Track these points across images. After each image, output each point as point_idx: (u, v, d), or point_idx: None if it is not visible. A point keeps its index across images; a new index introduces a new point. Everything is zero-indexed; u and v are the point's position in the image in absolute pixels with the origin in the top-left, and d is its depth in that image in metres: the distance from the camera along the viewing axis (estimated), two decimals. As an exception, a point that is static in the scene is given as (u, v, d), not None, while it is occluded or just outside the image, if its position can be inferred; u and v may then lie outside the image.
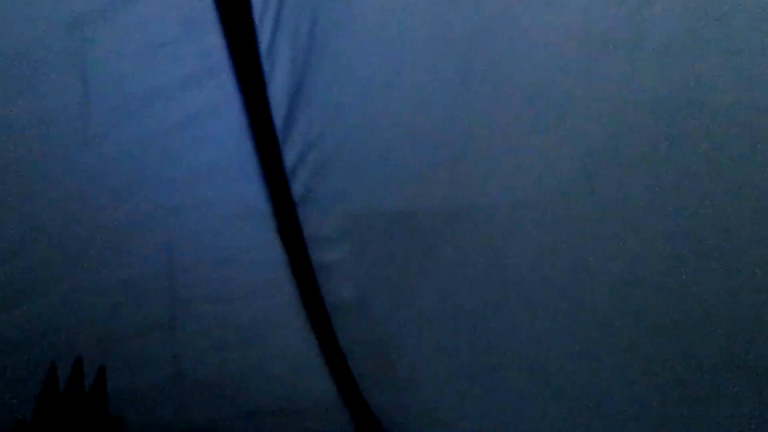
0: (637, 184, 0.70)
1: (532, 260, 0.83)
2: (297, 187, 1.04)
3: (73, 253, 1.10)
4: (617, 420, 0.82)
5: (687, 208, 0.66)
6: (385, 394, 1.15)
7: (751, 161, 0.61)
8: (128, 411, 1.15)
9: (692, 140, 0.64)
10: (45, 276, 1.09)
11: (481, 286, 0.90)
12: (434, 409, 1.08)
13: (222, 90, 0.99)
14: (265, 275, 1.11)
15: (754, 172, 0.61)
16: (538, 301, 0.85)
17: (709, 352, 0.70)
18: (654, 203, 0.69)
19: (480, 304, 0.93)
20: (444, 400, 1.05)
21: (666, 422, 0.76)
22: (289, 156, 1.02)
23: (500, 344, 0.94)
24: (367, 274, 1.02)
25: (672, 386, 0.74)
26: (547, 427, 0.92)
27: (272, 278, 1.11)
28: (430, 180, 0.89)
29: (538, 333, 0.89)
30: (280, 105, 0.98)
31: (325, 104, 0.94)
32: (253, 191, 1.05)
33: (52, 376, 1.08)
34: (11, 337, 1.08)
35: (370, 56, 0.88)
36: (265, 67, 0.96)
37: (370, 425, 1.24)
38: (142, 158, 1.04)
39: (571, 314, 0.83)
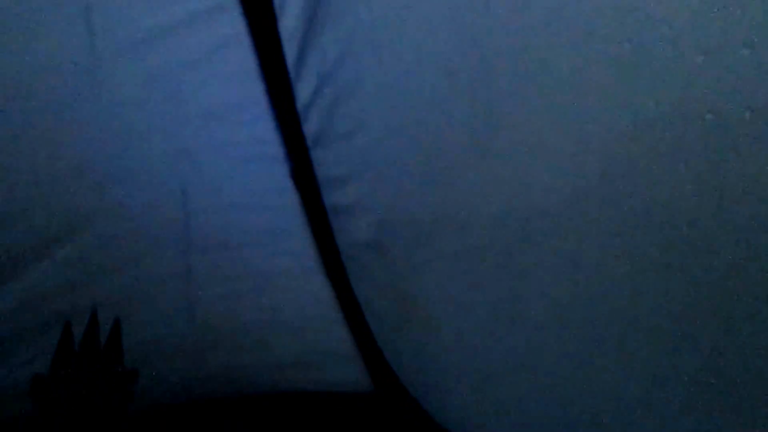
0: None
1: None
2: (310, 128, 1.01)
3: (86, 204, 1.09)
4: (636, 356, 0.81)
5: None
6: (402, 339, 1.14)
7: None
8: (144, 361, 1.15)
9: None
10: (58, 230, 1.08)
11: (504, 220, 0.87)
12: (452, 353, 1.07)
13: (231, 27, 0.96)
14: (279, 220, 1.10)
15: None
16: (562, 232, 0.83)
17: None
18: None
19: (502, 243, 0.91)
20: (462, 344, 1.04)
21: (685, 357, 0.75)
22: (302, 95, 0.99)
23: (522, 287, 0.92)
24: (383, 215, 1.00)
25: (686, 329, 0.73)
26: (570, 369, 0.91)
27: (286, 223, 1.09)
28: (451, 110, 0.85)
29: (559, 274, 0.87)
30: (292, 41, 0.95)
31: (337, 38, 0.91)
32: (265, 133, 1.02)
33: (67, 332, 1.08)
34: (28, 292, 1.08)
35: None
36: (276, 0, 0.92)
37: (386, 376, 1.23)
38: (152, 101, 1.02)
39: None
